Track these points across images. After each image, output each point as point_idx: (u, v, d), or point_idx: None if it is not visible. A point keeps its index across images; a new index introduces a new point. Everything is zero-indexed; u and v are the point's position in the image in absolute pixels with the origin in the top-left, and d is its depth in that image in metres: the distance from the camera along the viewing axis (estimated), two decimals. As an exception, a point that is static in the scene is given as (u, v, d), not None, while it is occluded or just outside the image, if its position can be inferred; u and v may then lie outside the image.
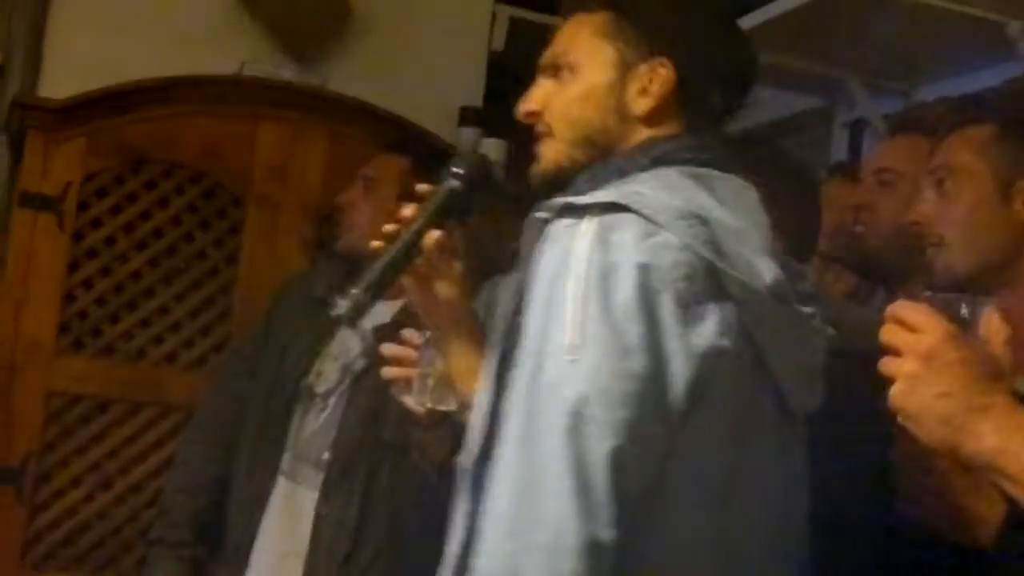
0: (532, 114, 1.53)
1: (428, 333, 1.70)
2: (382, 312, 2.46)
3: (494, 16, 3.48)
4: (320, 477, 2.41)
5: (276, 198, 2.95)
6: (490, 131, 3.33)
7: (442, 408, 1.72)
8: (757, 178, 1.49)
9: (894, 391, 1.17)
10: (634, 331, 1.26)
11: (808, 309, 1.42)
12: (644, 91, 1.46)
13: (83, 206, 2.84)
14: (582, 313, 1.26)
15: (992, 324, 1.20)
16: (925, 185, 1.75)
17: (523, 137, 3.58)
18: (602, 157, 1.45)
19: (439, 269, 1.55)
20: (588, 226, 1.29)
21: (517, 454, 1.26)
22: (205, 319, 2.91)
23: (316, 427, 2.44)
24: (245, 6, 3.21)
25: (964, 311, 1.20)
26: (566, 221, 1.32)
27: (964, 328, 1.19)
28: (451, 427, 1.89)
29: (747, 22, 2.64)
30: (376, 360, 2.38)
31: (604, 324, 1.25)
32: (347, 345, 2.48)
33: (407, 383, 1.76)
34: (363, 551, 2.36)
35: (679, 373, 1.27)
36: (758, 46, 1.58)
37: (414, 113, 3.09)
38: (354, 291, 1.53)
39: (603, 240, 1.28)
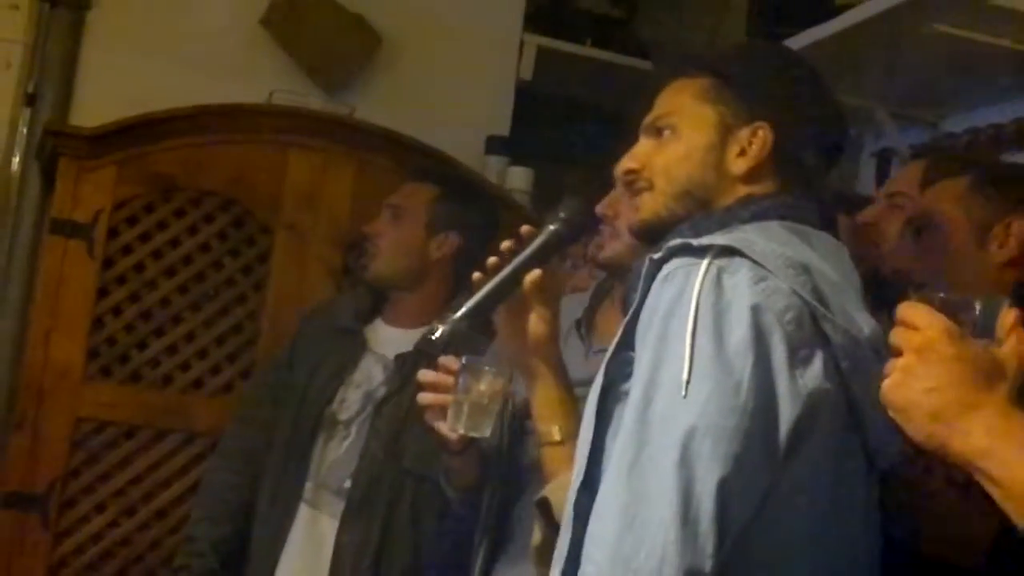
0: (632, 171, 1.59)
1: (464, 359, 1.73)
2: (404, 340, 2.48)
3: (522, 45, 3.49)
4: (341, 505, 2.42)
5: (304, 226, 2.96)
6: (517, 160, 3.35)
7: (475, 435, 1.74)
8: None
9: (885, 384, 1.17)
10: (746, 369, 1.31)
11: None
12: (743, 152, 1.53)
13: (113, 233, 2.86)
14: (695, 349, 1.31)
15: (1007, 323, 1.17)
16: (903, 233, 1.86)
17: (548, 166, 3.62)
18: (700, 210, 1.52)
19: (535, 306, 1.66)
20: (703, 267, 1.35)
21: (626, 483, 1.31)
22: (232, 346, 2.92)
23: (338, 455, 2.45)
24: (274, 35, 3.24)
25: (977, 311, 1.18)
26: (681, 261, 1.39)
27: (977, 329, 1.17)
28: (478, 453, 1.90)
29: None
30: (398, 387, 2.41)
31: (716, 361, 1.31)
32: (370, 373, 2.49)
33: (442, 409, 1.78)
34: None
35: (786, 412, 1.32)
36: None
37: (441, 142, 3.10)
38: (452, 317, 1.62)
39: (717, 282, 1.35)
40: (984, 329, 1.17)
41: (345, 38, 3.27)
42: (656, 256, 1.43)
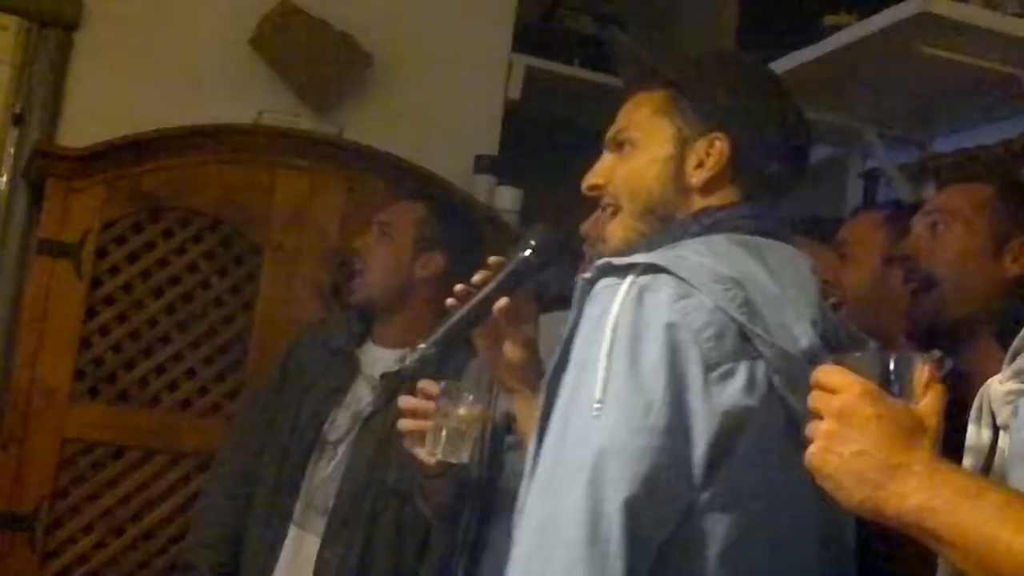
0: (596, 187, 1.61)
1: (443, 384, 1.74)
2: (392, 360, 2.48)
3: (510, 65, 3.50)
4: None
5: (293, 246, 2.96)
6: (505, 179, 3.35)
7: (453, 460, 1.75)
8: None
9: (809, 452, 1.15)
10: (657, 390, 1.30)
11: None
12: (701, 164, 1.53)
13: (101, 253, 2.85)
14: (610, 370, 1.31)
15: (922, 379, 1.16)
16: (920, 225, 1.85)
17: (537, 186, 3.61)
18: (662, 225, 1.53)
19: (508, 332, 1.68)
20: (624, 286, 1.36)
21: (541, 502, 1.33)
22: (220, 366, 2.91)
23: (325, 475, 2.45)
24: (262, 55, 3.24)
25: (891, 369, 1.17)
26: (607, 281, 1.39)
27: (895, 385, 1.16)
28: (455, 474, 1.91)
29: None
30: (383, 406, 2.41)
31: (629, 381, 1.31)
32: (359, 394, 2.48)
33: (421, 435, 1.79)
34: None
35: (701, 430, 1.31)
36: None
37: (430, 161, 3.10)
38: (422, 346, 1.66)
39: (638, 300, 1.34)
40: (901, 387, 1.16)
41: (334, 58, 3.28)
42: (586, 276, 1.43)
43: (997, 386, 1.18)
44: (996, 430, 1.18)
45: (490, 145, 3.43)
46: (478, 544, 1.99)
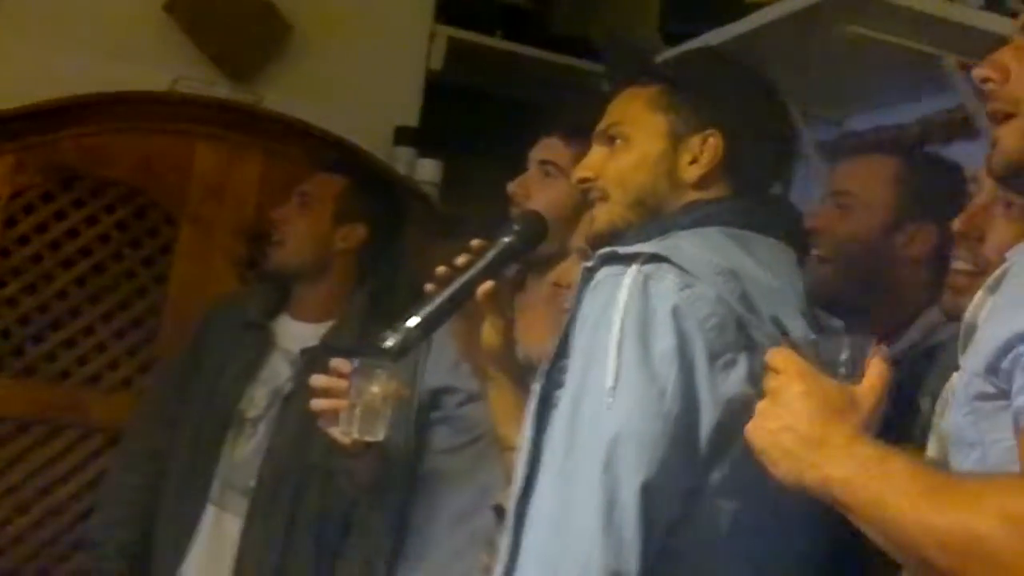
0: (586, 180, 1.62)
1: (356, 362, 1.72)
2: (309, 334, 2.46)
3: (432, 36, 3.45)
4: (247, 504, 2.38)
5: (209, 217, 2.91)
6: (426, 151, 3.32)
7: (368, 439, 1.73)
8: None
9: (747, 428, 1.21)
10: (670, 377, 1.34)
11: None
12: (695, 160, 1.56)
13: (10, 223, 2.78)
14: (621, 357, 1.33)
15: (873, 365, 1.22)
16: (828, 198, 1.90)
17: (458, 156, 3.59)
18: (651, 216, 1.55)
19: (488, 316, 1.69)
20: (629, 275, 1.38)
21: (553, 489, 1.35)
22: (131, 340, 2.86)
23: (245, 454, 2.41)
24: (178, 21, 3.16)
25: (845, 353, 1.24)
26: (609, 270, 1.42)
27: (848, 366, 1.23)
28: (378, 454, 1.89)
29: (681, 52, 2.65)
30: (304, 383, 2.38)
31: (642, 369, 1.34)
32: (277, 370, 2.45)
33: (335, 414, 1.77)
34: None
35: (707, 417, 1.36)
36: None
37: (349, 131, 3.07)
38: (405, 326, 1.64)
39: (643, 289, 1.37)
40: (855, 367, 1.23)
41: (252, 25, 3.21)
42: (588, 265, 1.45)
43: (955, 378, 1.20)
44: None
45: (411, 116, 3.39)
46: (403, 522, 1.98)
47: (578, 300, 1.44)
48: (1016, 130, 1.15)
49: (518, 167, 2.09)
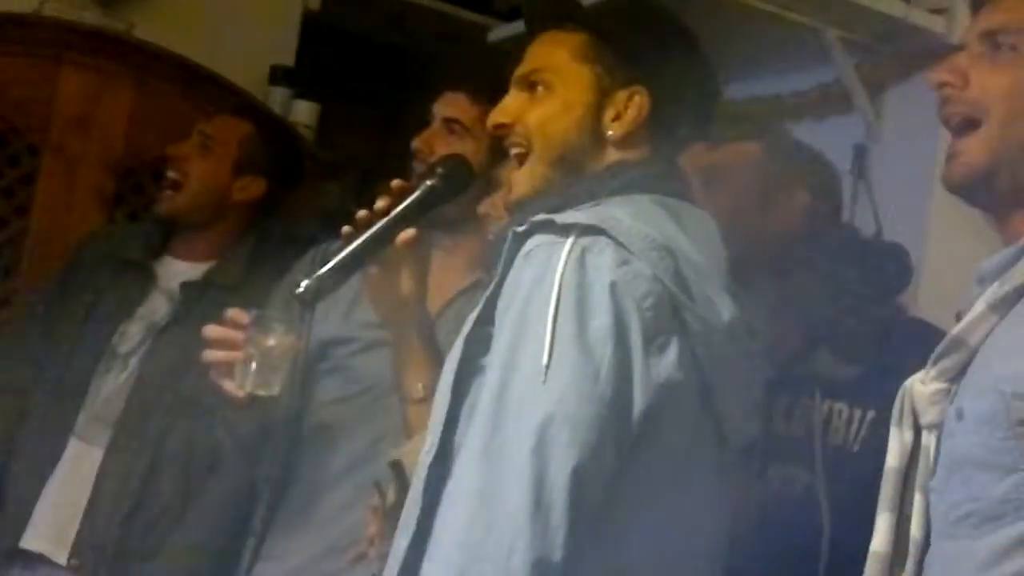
0: (503, 126, 1.54)
1: (255, 312, 1.67)
2: (192, 272, 2.40)
3: (309, -26, 3.37)
4: None
5: (75, 149, 2.78)
6: (302, 93, 3.24)
7: (263, 393, 1.68)
8: None
9: None
10: (605, 356, 1.29)
11: (754, 345, 1.46)
12: (618, 117, 1.49)
13: None
14: (556, 333, 1.28)
15: None
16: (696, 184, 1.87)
17: (335, 100, 3.51)
18: (572, 174, 1.48)
19: (405, 264, 1.62)
20: (566, 246, 1.32)
21: (479, 467, 1.28)
22: (-10, 272, 2.74)
23: (115, 387, 2.34)
24: (46, -60, 3.01)
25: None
26: (544, 238, 1.35)
27: None
28: (262, 407, 1.85)
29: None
30: (182, 316, 2.33)
31: (577, 346, 1.28)
32: (154, 307, 2.39)
33: (228, 365, 1.71)
34: (148, 509, 2.29)
35: (639, 400, 1.31)
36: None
37: (223, 67, 2.96)
38: (320, 272, 1.57)
39: (580, 262, 1.32)
40: None
41: (125, -50, 3.08)
42: (520, 230, 1.39)
43: (920, 387, 1.19)
44: (918, 431, 1.20)
45: (287, 56, 3.30)
46: (282, 476, 1.95)
47: (505, 266, 1.39)
48: (982, 141, 1.15)
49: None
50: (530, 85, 1.53)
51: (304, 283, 1.57)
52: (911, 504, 1.17)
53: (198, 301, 2.34)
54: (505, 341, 1.33)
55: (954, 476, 1.11)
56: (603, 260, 1.33)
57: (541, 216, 1.39)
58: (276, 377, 1.69)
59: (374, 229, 1.60)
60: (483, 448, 1.29)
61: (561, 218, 1.37)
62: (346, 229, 1.61)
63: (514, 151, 1.53)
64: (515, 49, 1.61)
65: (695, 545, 1.42)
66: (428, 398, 1.62)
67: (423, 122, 2.04)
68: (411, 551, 1.34)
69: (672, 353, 1.34)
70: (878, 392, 1.54)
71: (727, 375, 1.40)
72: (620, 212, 1.39)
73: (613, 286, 1.31)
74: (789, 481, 1.64)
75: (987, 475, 1.07)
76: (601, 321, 1.30)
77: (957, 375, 1.15)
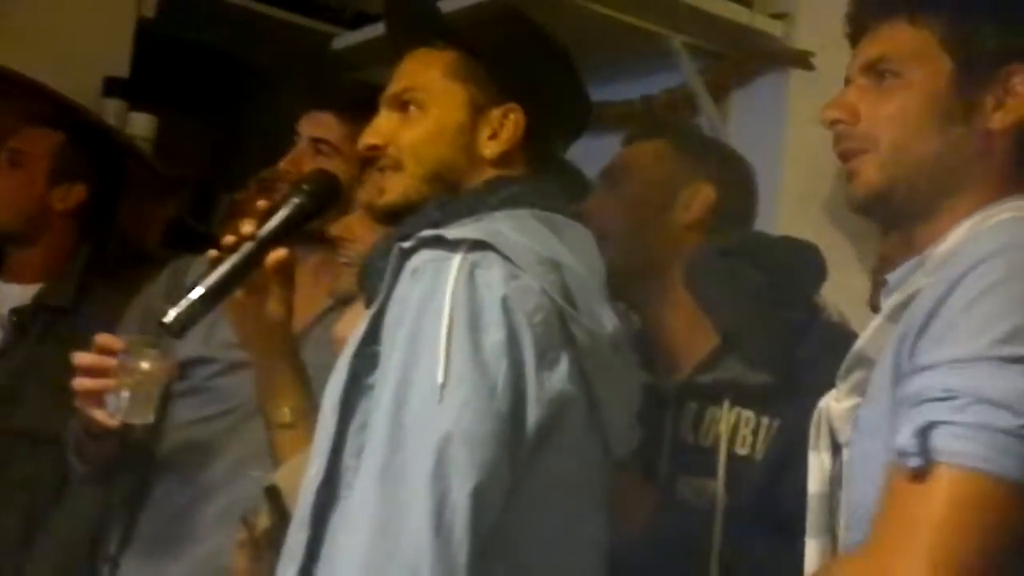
0: (375, 148, 1.51)
1: (126, 338, 1.61)
2: (19, 294, 2.31)
3: (142, -19, 3.26)
4: None
5: None
6: (137, 104, 3.13)
7: (137, 422, 1.62)
8: None
9: None
10: (500, 372, 1.27)
11: (632, 355, 1.47)
12: (494, 135, 1.48)
13: None
14: (450, 351, 1.26)
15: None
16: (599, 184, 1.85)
17: (173, 111, 3.41)
18: (449, 192, 1.46)
19: (274, 287, 1.58)
20: (456, 262, 1.30)
21: (378, 489, 1.25)
22: None
23: None
24: None
25: None
26: (432, 254, 1.32)
27: None
28: (118, 433, 1.78)
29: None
30: (13, 344, 2.23)
31: (472, 364, 1.26)
32: (-19, 335, 2.28)
33: (98, 395, 1.63)
34: None
35: (532, 415, 1.30)
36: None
37: (54, 80, 2.83)
38: (187, 300, 1.51)
39: (471, 278, 1.29)
40: None
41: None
42: (406, 246, 1.37)
43: (835, 404, 1.20)
44: (836, 451, 1.20)
45: (121, 67, 3.18)
46: (137, 499, 1.88)
47: (391, 283, 1.36)
48: (873, 162, 1.19)
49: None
50: (401, 105, 1.51)
51: (172, 313, 1.51)
52: (839, 525, 1.18)
53: (31, 326, 2.26)
54: (397, 360, 1.30)
55: (849, 485, 1.13)
56: (493, 275, 1.31)
57: (428, 232, 1.36)
58: (150, 404, 1.63)
59: (243, 252, 1.55)
60: (380, 471, 1.26)
61: (449, 233, 1.35)
62: (212, 253, 1.56)
63: (383, 165, 1.51)
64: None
65: (587, 557, 1.42)
66: (296, 422, 1.60)
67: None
68: None
69: (563, 367, 1.33)
70: (788, 399, 1.54)
71: (612, 387, 1.40)
72: (504, 227, 1.38)
73: (504, 301, 1.30)
74: (699, 492, 1.63)
75: (869, 484, 1.09)
76: (495, 337, 1.29)
77: (867, 389, 1.17)
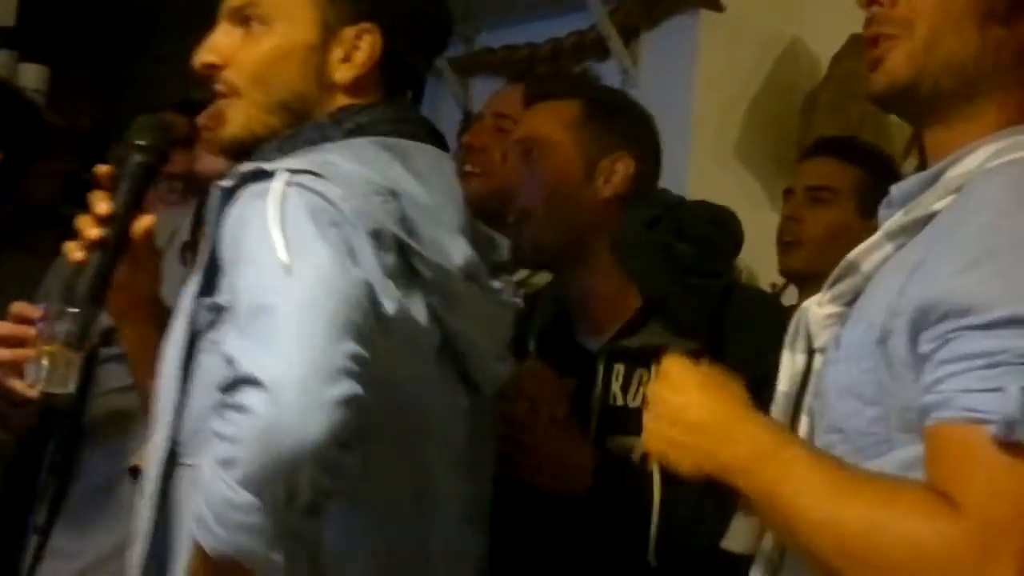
0: (212, 66, 1.35)
1: (45, 306, 1.53)
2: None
3: (25, -75, 3.12)
4: None
5: None
6: (27, 55, 3.02)
7: (59, 391, 1.55)
8: None
9: (642, 440, 1.17)
10: (346, 248, 1.19)
11: (498, 283, 1.39)
12: (347, 58, 1.34)
13: None
14: (289, 235, 1.16)
15: None
16: (510, 155, 1.79)
17: (63, 61, 3.29)
18: (297, 123, 1.33)
19: (143, 257, 1.47)
20: (279, 187, 1.20)
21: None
22: None
23: None
24: None
25: None
26: (255, 187, 1.22)
27: None
28: (41, 401, 1.71)
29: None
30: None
31: (316, 239, 1.17)
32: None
33: (17, 364, 1.56)
34: None
35: (388, 307, 1.22)
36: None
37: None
38: (73, 310, 1.41)
39: (299, 193, 1.20)
40: None
41: None
42: (226, 185, 1.26)
43: (816, 309, 1.15)
44: (811, 354, 1.17)
45: (6, 16, 3.05)
46: (67, 467, 1.83)
47: (216, 227, 1.25)
48: (902, 51, 1.11)
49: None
50: (243, 19, 1.35)
51: (62, 327, 1.41)
52: (798, 428, 1.15)
53: None
54: (242, 276, 1.19)
55: (823, 402, 1.11)
56: (327, 190, 1.21)
57: (249, 166, 1.26)
58: (71, 373, 1.55)
59: (110, 237, 1.43)
60: (244, 325, 1.16)
61: (270, 165, 1.24)
62: (78, 254, 1.42)
63: (220, 93, 1.36)
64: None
65: (455, 494, 1.36)
66: None
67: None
68: (148, 563, 1.26)
69: (405, 301, 1.24)
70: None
71: (469, 320, 1.33)
72: (336, 157, 1.26)
73: (338, 213, 1.20)
74: (629, 451, 1.63)
75: (848, 405, 1.07)
76: (334, 233, 1.19)
77: (851, 300, 1.13)
